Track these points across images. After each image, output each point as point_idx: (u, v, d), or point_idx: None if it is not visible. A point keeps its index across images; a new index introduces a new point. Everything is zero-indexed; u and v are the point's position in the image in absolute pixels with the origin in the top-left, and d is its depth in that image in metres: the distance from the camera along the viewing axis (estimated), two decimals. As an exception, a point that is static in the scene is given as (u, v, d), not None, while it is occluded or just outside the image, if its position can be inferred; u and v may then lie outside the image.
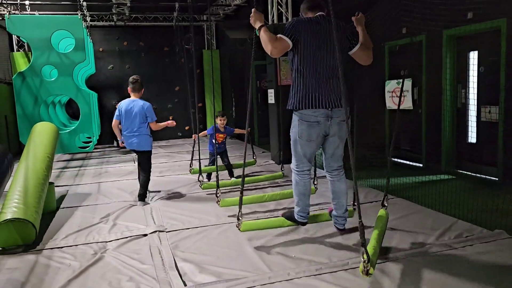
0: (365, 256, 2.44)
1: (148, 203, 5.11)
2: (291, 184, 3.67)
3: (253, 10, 3.37)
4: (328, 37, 3.25)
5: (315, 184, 4.44)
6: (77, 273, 3.12)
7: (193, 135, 5.88)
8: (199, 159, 5.25)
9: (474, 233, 3.54)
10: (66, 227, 4.26)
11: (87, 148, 9.25)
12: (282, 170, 5.91)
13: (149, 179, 5.19)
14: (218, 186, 4.26)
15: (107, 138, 11.73)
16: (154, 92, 12.06)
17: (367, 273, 2.42)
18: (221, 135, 6.11)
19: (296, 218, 3.63)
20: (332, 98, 3.26)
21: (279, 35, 3.26)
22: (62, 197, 5.58)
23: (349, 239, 3.57)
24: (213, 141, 5.79)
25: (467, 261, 3.03)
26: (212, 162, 6.01)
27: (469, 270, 2.89)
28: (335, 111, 3.28)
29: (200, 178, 5.30)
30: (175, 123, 5.41)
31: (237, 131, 6.48)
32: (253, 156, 6.54)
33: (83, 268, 3.20)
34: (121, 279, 3.01)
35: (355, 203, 3.82)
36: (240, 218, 3.48)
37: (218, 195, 4.18)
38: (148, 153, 5.17)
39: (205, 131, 6.25)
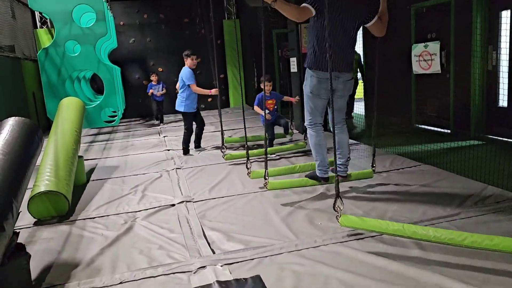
0: (340, 206, 2.85)
1: (202, 149, 6.41)
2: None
3: None
4: (350, 10, 3.51)
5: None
6: (109, 242, 3.22)
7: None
8: (222, 131, 5.27)
9: (506, 199, 3.46)
10: (96, 199, 4.39)
11: (113, 122, 9.40)
12: (305, 140, 5.88)
13: (186, 135, 6.23)
14: (248, 158, 4.24)
15: (132, 112, 11.89)
16: (176, 64, 12.01)
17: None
18: (270, 101, 5.84)
19: (318, 174, 3.90)
20: (343, 64, 3.63)
21: (304, 5, 3.47)
22: (92, 170, 5.72)
23: (373, 208, 3.55)
24: (266, 111, 5.65)
25: (499, 228, 2.98)
26: (271, 135, 5.88)
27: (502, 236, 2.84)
28: (343, 73, 3.66)
29: (223, 149, 5.37)
30: (217, 92, 5.43)
31: (286, 98, 6.25)
32: (291, 127, 6.57)
33: (114, 237, 3.30)
34: (151, 248, 3.09)
35: (374, 165, 4.14)
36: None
37: (248, 167, 4.16)
38: (182, 114, 6.20)
39: (256, 107, 5.96)
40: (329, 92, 3.45)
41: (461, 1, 6.00)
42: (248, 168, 4.16)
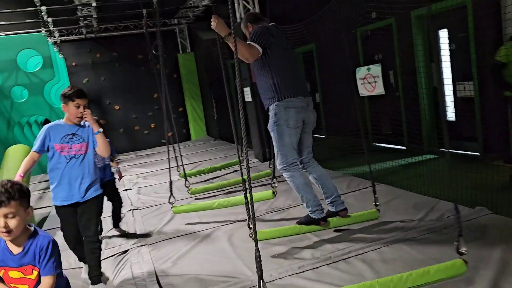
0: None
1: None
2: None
3: (213, 16, 3.17)
4: (283, 39, 3.58)
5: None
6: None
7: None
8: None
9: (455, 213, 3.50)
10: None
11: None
12: (270, 168, 5.67)
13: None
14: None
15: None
16: (133, 101, 11.98)
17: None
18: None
19: (314, 217, 3.38)
20: (303, 88, 3.55)
21: (250, 43, 3.30)
22: (44, 219, 5.45)
23: (327, 232, 3.52)
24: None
25: (447, 243, 3.00)
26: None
27: (448, 252, 2.86)
28: (308, 99, 3.48)
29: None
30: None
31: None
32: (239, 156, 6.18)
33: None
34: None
35: (377, 203, 3.55)
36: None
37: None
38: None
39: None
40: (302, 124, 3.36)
41: (401, 23, 6.25)
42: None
